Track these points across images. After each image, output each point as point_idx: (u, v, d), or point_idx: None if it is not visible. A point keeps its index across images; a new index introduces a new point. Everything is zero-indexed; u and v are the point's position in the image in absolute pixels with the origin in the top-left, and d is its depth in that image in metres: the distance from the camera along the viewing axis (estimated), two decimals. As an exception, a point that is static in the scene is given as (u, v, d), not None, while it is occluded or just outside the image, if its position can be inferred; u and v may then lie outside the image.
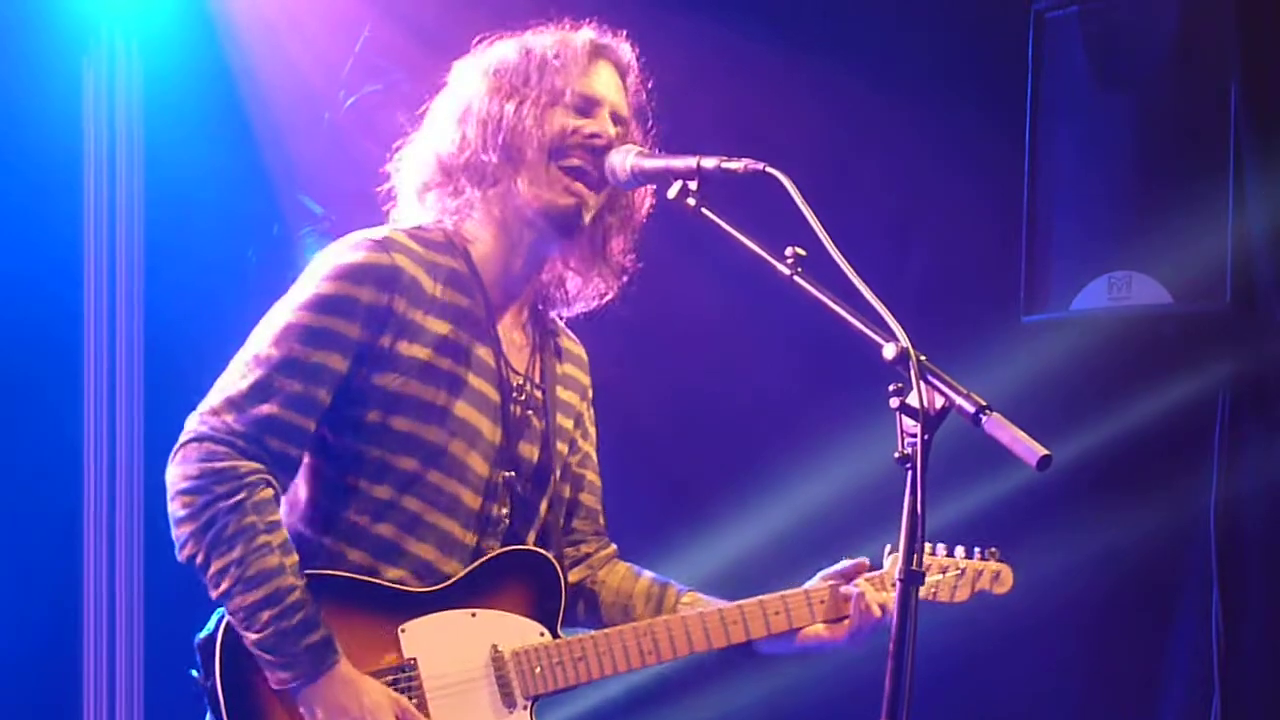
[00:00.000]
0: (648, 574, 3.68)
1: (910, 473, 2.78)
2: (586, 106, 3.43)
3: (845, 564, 3.58)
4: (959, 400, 2.80)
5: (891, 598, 3.45)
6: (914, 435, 2.79)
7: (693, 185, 3.22)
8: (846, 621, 3.51)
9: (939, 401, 2.80)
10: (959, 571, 3.61)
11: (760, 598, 3.51)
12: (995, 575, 3.64)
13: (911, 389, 2.81)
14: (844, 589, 3.52)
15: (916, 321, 2.92)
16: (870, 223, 5.27)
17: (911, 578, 2.80)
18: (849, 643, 3.52)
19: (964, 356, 3.60)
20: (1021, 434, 2.77)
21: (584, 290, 3.59)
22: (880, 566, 3.59)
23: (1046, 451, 2.74)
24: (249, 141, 5.81)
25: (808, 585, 3.57)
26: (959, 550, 3.62)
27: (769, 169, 3.09)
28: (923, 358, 2.84)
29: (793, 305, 3.08)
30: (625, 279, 3.58)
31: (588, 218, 3.43)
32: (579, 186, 3.39)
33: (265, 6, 5.80)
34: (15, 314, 5.66)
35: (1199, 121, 4.79)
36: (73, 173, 5.84)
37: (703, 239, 3.21)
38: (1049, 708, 5.38)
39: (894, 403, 2.81)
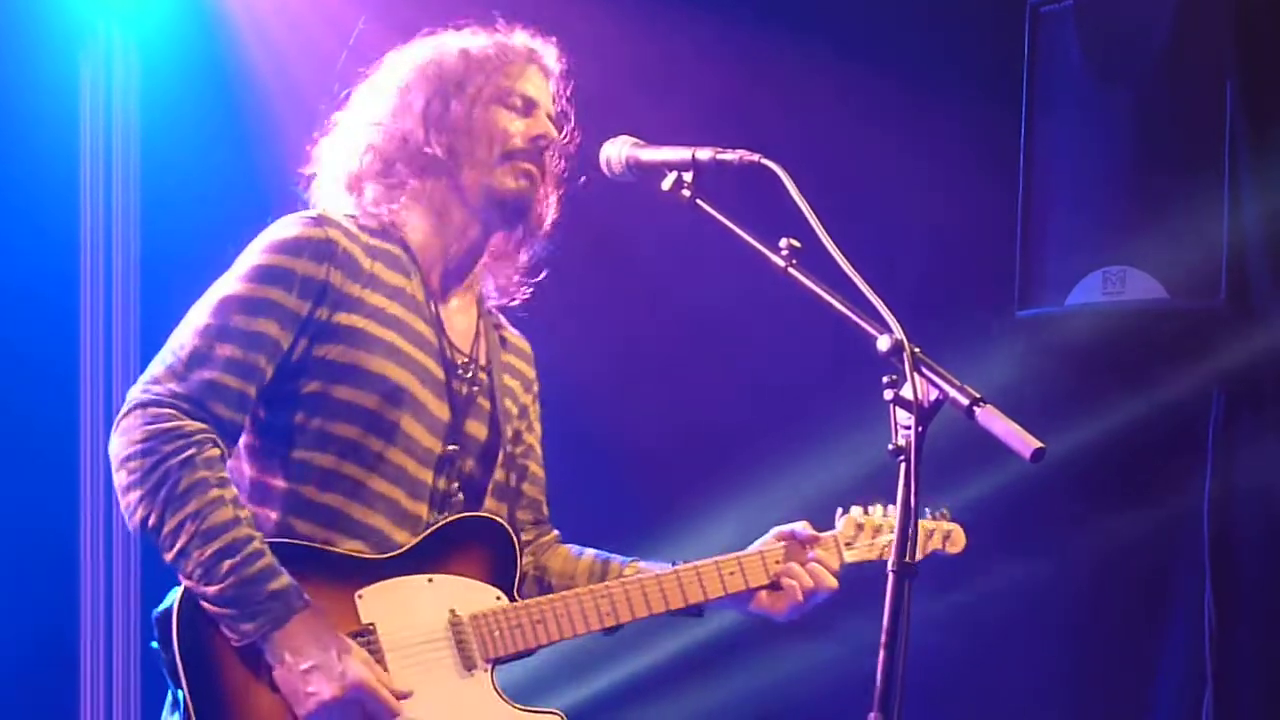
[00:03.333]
0: (590, 552, 3.73)
1: (904, 465, 2.79)
2: (526, 107, 3.52)
3: (799, 527, 3.62)
4: (953, 392, 2.81)
5: (834, 555, 3.60)
6: (908, 427, 2.80)
7: (687, 177, 3.25)
8: (781, 598, 3.58)
9: (933, 394, 2.82)
10: None
11: (716, 559, 3.57)
12: (947, 535, 3.72)
13: (905, 381, 2.82)
14: (790, 565, 3.57)
15: (911, 314, 2.93)
16: (865, 215, 5.27)
17: (904, 570, 2.80)
18: (787, 616, 3.59)
19: (958, 350, 3.59)
20: (1015, 426, 2.78)
21: (499, 287, 3.69)
22: (833, 527, 3.66)
23: (1040, 444, 2.75)
24: (244, 136, 5.81)
25: (762, 542, 3.62)
26: None
27: (764, 161, 3.12)
28: (917, 350, 2.85)
29: (788, 297, 3.08)
30: (531, 279, 3.67)
31: (539, 205, 3.52)
32: (531, 168, 3.48)
33: (261, 2, 5.80)
34: (10, 310, 5.64)
35: (1195, 117, 4.78)
36: (68, 169, 5.82)
37: (699, 230, 3.21)
38: (1042, 703, 5.38)
39: (888, 395, 2.83)
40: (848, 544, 3.63)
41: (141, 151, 5.89)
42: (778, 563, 3.58)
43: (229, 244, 5.58)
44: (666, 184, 3.26)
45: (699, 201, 3.22)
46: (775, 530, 3.64)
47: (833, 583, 3.57)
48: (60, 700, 5.74)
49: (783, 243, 3.07)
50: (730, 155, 3.19)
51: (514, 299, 3.71)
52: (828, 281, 3.02)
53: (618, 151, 3.39)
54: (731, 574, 3.56)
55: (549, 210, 3.60)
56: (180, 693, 3.22)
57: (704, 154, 3.22)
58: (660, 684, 5.47)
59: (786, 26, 5.54)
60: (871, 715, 2.77)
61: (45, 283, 5.75)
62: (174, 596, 3.25)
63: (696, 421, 5.67)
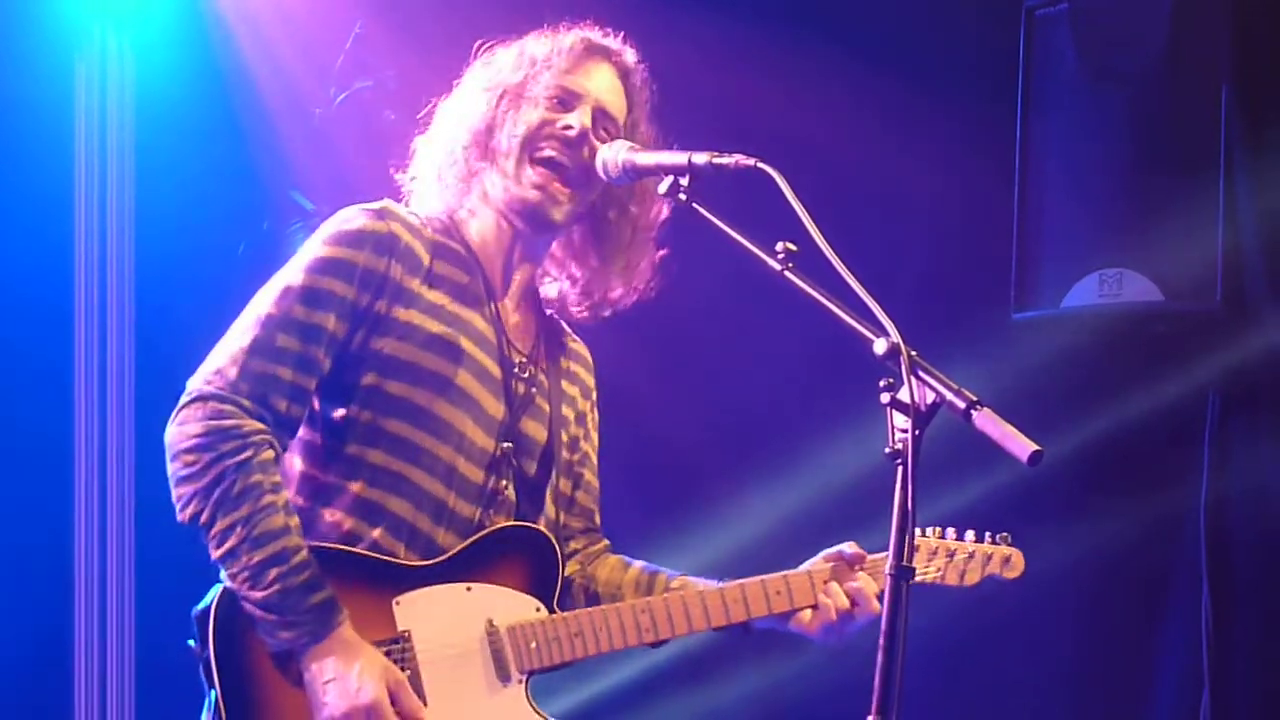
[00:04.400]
0: (638, 563, 3.69)
1: (901, 468, 2.77)
2: (568, 100, 3.47)
3: (847, 548, 3.55)
4: (950, 395, 2.80)
5: (883, 579, 3.48)
6: (905, 430, 2.79)
7: (684, 180, 3.23)
8: (816, 618, 3.50)
9: (930, 397, 2.81)
10: (969, 554, 3.60)
11: (762, 577, 3.50)
12: (1006, 559, 3.63)
13: (902, 384, 2.81)
14: (830, 584, 3.50)
15: (907, 317, 2.92)
16: (862, 219, 5.27)
17: (901, 573, 2.79)
18: (823, 636, 3.51)
19: (955, 353, 3.60)
20: (1012, 429, 2.77)
21: (583, 296, 3.63)
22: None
23: (1037, 447, 2.74)
24: (240, 139, 5.81)
25: (810, 564, 3.55)
26: (969, 534, 3.62)
27: (760, 164, 3.11)
28: (913, 353, 2.84)
29: (786, 300, 3.08)
30: (645, 284, 3.63)
31: (558, 214, 3.46)
32: (549, 178, 3.42)
33: (256, 5, 5.80)
34: (6, 310, 5.65)
35: (1190, 120, 4.79)
36: (64, 170, 5.84)
37: (699, 234, 3.21)
38: (1040, 703, 5.38)
39: (885, 398, 2.81)
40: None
41: (136, 154, 5.89)
42: (826, 582, 3.51)
43: (224, 245, 5.63)
44: (663, 188, 3.25)
45: (695, 205, 3.21)
46: (824, 552, 3.56)
47: (875, 606, 3.47)
48: (55, 701, 5.74)
49: (779, 246, 3.06)
50: (726, 159, 3.17)
51: (576, 313, 3.65)
52: (824, 285, 3.01)
53: (614, 155, 3.38)
54: (778, 594, 3.49)
55: (645, 209, 3.56)
56: (214, 693, 3.23)
57: (700, 158, 3.21)
58: (661, 685, 5.47)
59: (782, 30, 5.54)
60: (870, 718, 2.77)
61: (40, 284, 5.76)
62: (213, 596, 3.25)
63: (691, 424, 5.68)
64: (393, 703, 3.23)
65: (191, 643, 3.27)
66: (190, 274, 5.68)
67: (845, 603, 3.49)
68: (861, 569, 3.53)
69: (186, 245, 5.80)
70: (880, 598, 3.44)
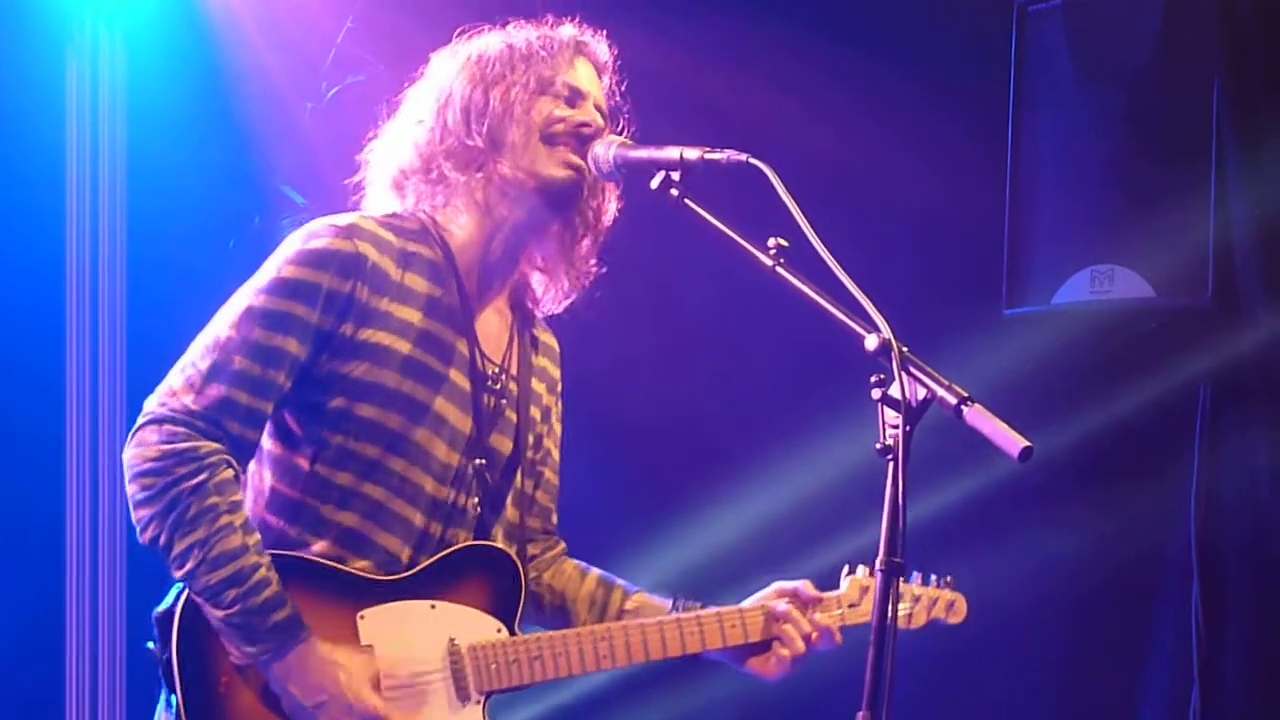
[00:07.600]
0: (594, 574, 3.69)
1: (891, 464, 2.78)
2: (573, 97, 3.46)
3: (801, 585, 3.55)
4: (941, 391, 2.81)
5: (837, 618, 3.52)
6: (895, 426, 2.80)
7: (676, 176, 3.23)
8: (773, 658, 3.51)
9: (921, 393, 2.82)
10: (915, 598, 3.60)
11: (719, 610, 3.51)
12: (950, 604, 3.65)
13: (893, 380, 2.82)
14: (789, 627, 3.50)
15: (899, 313, 2.93)
16: (853, 215, 5.26)
17: (892, 569, 2.80)
18: (778, 678, 3.53)
19: (946, 349, 3.60)
20: (1003, 425, 2.78)
21: (548, 292, 3.62)
22: (837, 587, 3.58)
23: (1028, 443, 2.75)
24: (231, 132, 5.80)
25: (763, 596, 3.55)
26: (915, 576, 3.61)
27: (752, 160, 3.11)
28: (904, 349, 2.85)
29: (776, 297, 3.08)
30: (588, 282, 3.60)
31: (576, 196, 3.45)
32: (576, 159, 3.42)
33: (249, -3, 5.81)
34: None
35: (1182, 116, 4.80)
36: (55, 162, 5.83)
37: (688, 231, 3.21)
38: (1029, 701, 5.39)
39: (876, 394, 2.83)
40: (851, 605, 3.54)
41: (128, 145, 5.89)
42: (777, 620, 3.51)
43: (215, 239, 5.62)
44: (655, 183, 3.25)
45: (687, 201, 3.21)
46: (777, 585, 3.56)
47: (838, 639, 3.51)
48: (46, 698, 5.74)
49: (770, 242, 3.07)
50: (718, 154, 3.18)
51: (564, 303, 3.63)
52: (816, 281, 3.01)
53: (606, 151, 3.37)
54: (733, 626, 3.50)
55: (606, 203, 3.56)
56: (174, 697, 3.22)
57: (692, 153, 3.21)
58: (645, 683, 5.47)
59: (772, 27, 5.54)
60: (860, 714, 2.77)
61: (31, 279, 5.75)
62: (177, 598, 3.25)
63: (682, 421, 5.67)
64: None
65: (151, 644, 3.27)
66: (181, 268, 5.67)
67: (801, 649, 3.49)
68: (818, 609, 3.53)
69: (176, 237, 5.79)
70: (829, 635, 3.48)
